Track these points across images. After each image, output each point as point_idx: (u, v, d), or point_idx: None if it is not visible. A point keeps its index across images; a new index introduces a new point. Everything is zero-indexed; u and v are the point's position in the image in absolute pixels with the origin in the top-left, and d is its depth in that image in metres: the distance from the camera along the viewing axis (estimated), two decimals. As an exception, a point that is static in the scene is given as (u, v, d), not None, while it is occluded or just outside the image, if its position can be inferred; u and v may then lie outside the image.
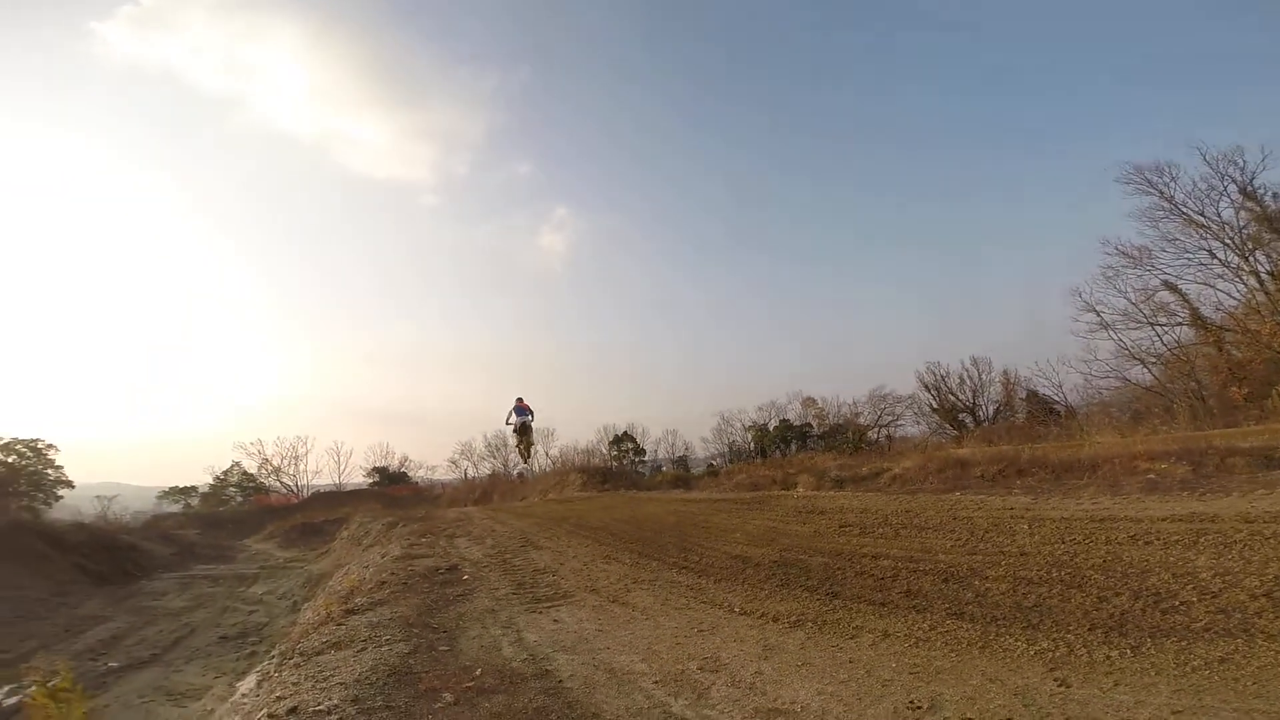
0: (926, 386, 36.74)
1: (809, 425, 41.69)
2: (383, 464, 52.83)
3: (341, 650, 5.54)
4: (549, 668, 4.95)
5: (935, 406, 36.47)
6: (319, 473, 51.74)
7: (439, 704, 4.12)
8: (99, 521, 30.53)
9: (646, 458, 45.71)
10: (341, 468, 52.31)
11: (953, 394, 35.95)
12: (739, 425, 44.03)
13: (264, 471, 49.63)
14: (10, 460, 34.29)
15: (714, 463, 42.57)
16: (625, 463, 44.14)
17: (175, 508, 45.11)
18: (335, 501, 43.75)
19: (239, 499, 48.04)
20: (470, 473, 50.87)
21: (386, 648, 5.43)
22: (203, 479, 48.65)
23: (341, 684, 4.52)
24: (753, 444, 42.50)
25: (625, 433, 46.04)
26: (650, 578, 8.39)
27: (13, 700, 9.96)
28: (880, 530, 9.34)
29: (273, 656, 9.74)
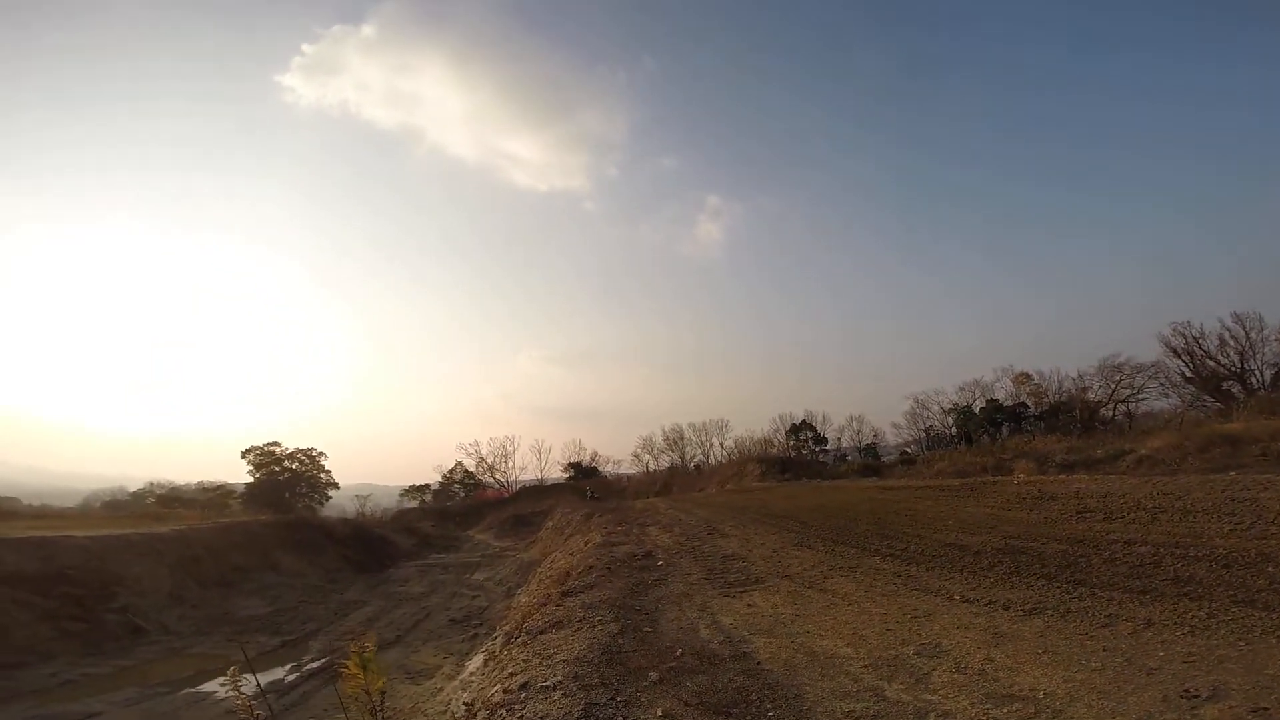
0: (1176, 352, 29.74)
1: (1023, 405, 36.55)
2: (576, 459, 56.90)
3: (561, 630, 5.94)
4: (746, 650, 4.94)
5: (1189, 375, 29.60)
6: (524, 469, 57.27)
7: (645, 682, 4.26)
8: (358, 517, 36.77)
9: (828, 446, 43.50)
10: (543, 464, 57.40)
11: (1212, 359, 28.91)
12: (936, 408, 40.03)
13: (480, 469, 56.17)
14: (294, 467, 42.70)
15: (908, 450, 39.30)
16: (805, 452, 42.46)
17: (413, 504, 52.81)
18: (539, 495, 48.00)
19: (462, 494, 54.84)
20: (651, 465, 52.81)
21: (599, 628, 5.75)
22: (433, 477, 56.26)
23: (563, 661, 4.83)
24: (954, 428, 38.43)
25: (803, 421, 44.35)
26: (849, 564, 8.03)
27: (313, 666, 12.32)
28: (1131, 515, 8.26)
29: (496, 636, 10.85)
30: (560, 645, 5.33)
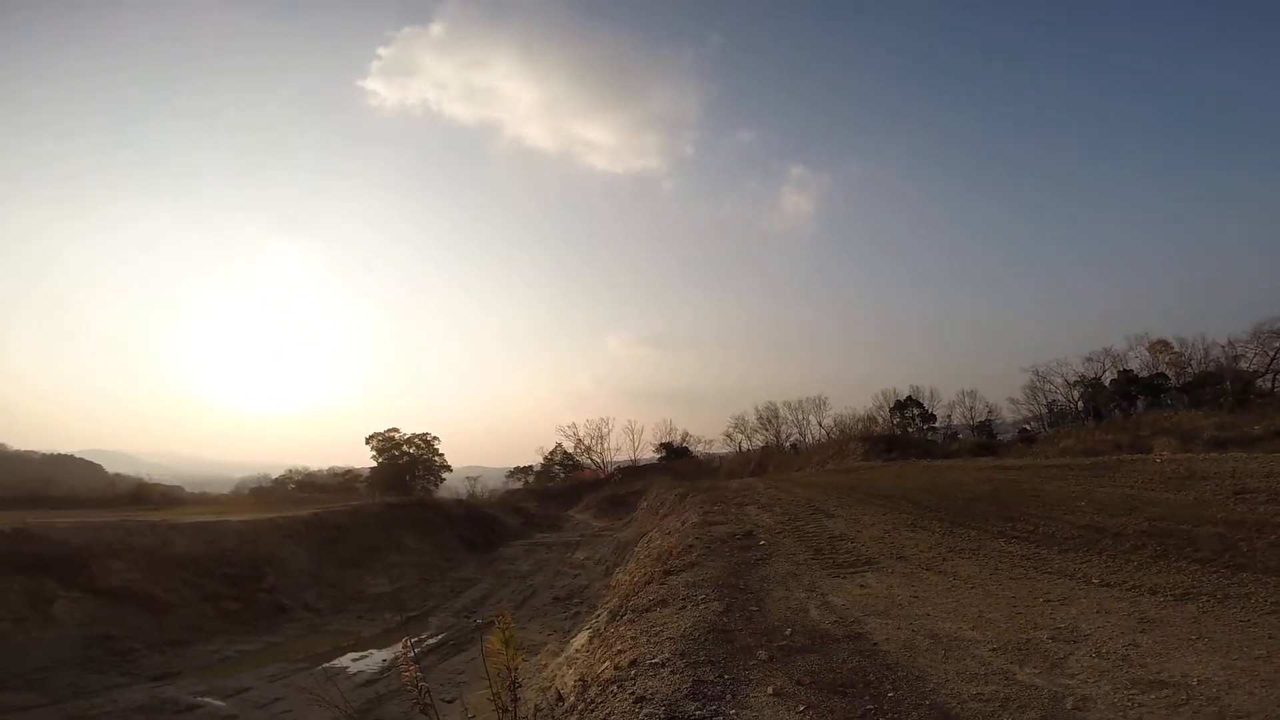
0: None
1: (1161, 376, 32.82)
2: (668, 440, 57.51)
3: (667, 608, 6.07)
4: (861, 630, 4.84)
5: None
6: (619, 450, 58.69)
7: (754, 660, 4.27)
8: (470, 498, 39.17)
9: (937, 424, 41.18)
10: (635, 445, 58.54)
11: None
12: (1059, 381, 36.73)
13: (578, 450, 58.18)
14: (411, 451, 46.04)
15: (1028, 427, 36.43)
16: (911, 430, 40.44)
17: (518, 485, 55.58)
18: (633, 475, 49.09)
19: (561, 475, 57.12)
20: (744, 445, 52.33)
21: (703, 606, 5.82)
22: (535, 459, 58.91)
23: (670, 639, 4.93)
24: (1081, 403, 35.20)
25: (909, 398, 42.20)
26: (970, 546, 7.66)
27: (432, 642, 13.13)
28: (1303, 497, 7.20)
29: (599, 614, 11.21)
30: (666, 623, 5.43)
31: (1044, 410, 37.26)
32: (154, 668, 10.62)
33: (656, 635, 5.10)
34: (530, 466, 57.91)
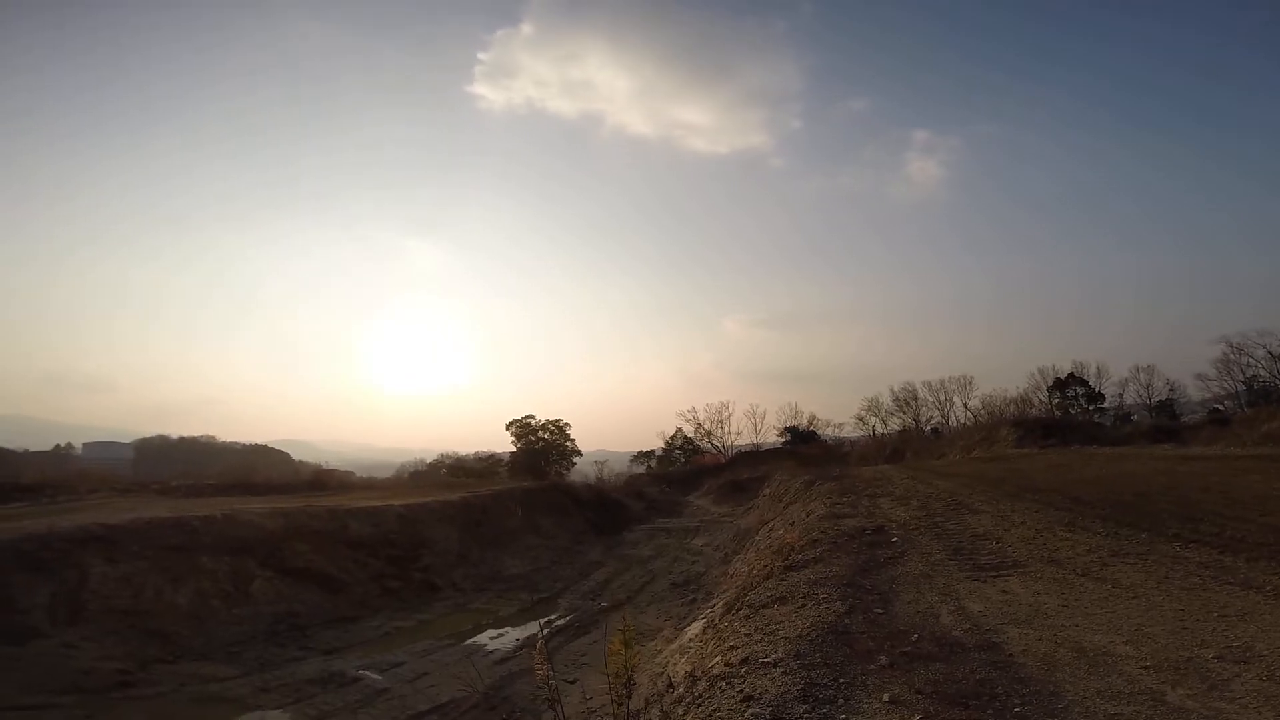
0: None
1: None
2: (793, 424, 56.22)
3: (784, 605, 6.05)
4: (996, 640, 4.61)
5: None
6: (740, 434, 58.41)
7: (874, 665, 4.19)
8: (597, 482, 40.91)
9: (1105, 404, 36.70)
10: (758, 429, 57.89)
11: None
12: (1261, 354, 31.25)
13: (698, 435, 58.62)
14: (545, 436, 48.96)
15: (1220, 407, 31.40)
16: (1074, 412, 36.41)
17: (641, 469, 57.12)
18: (755, 461, 48.57)
19: (682, 459, 57.88)
20: (878, 429, 49.91)
21: (824, 606, 5.75)
22: (657, 443, 60.13)
23: (786, 638, 4.92)
24: (1287, 380, 29.70)
25: (1070, 375, 37.97)
26: (1137, 550, 6.94)
27: (560, 623, 13.79)
28: None
29: (714, 604, 11.29)
30: (783, 621, 5.39)
31: (1240, 388, 31.91)
32: (326, 642, 11.96)
33: (772, 634, 5.10)
34: (652, 451, 59.22)
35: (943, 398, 48.23)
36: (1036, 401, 38.31)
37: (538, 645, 4.01)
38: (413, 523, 18.33)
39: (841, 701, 3.66)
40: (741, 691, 4.01)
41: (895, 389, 50.73)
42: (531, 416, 49.50)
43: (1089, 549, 7.28)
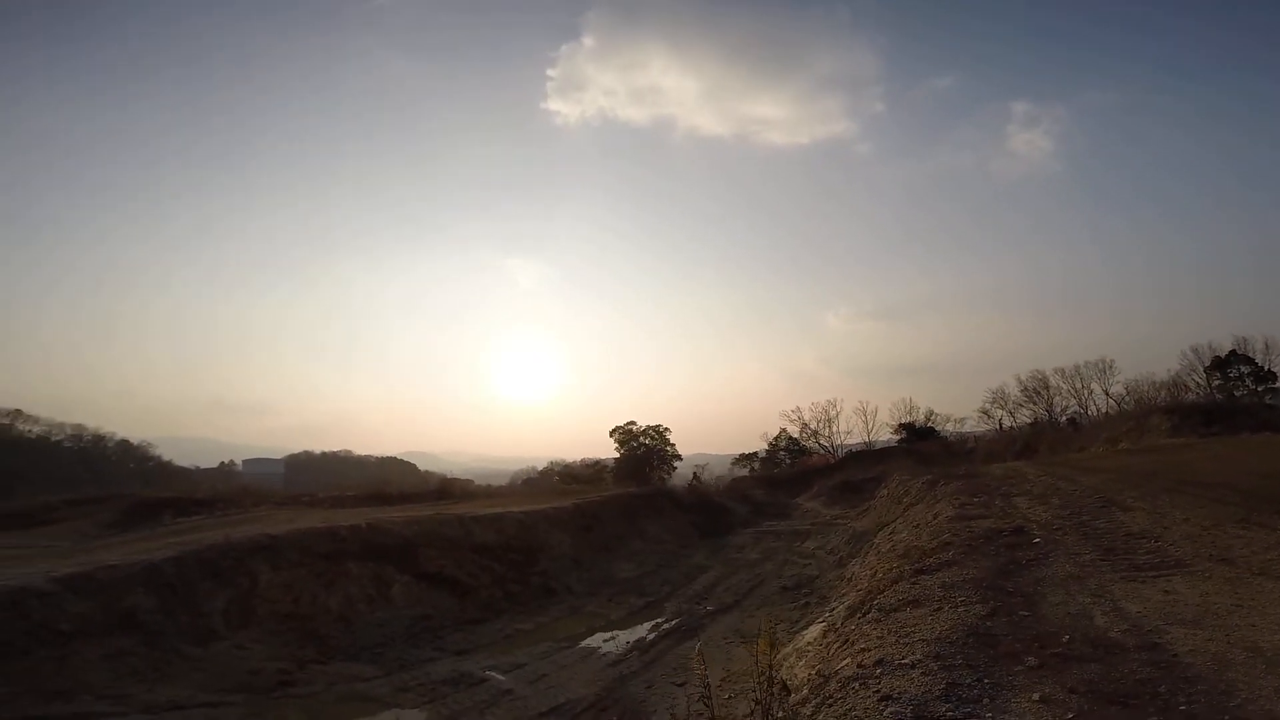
0: None
1: None
2: (908, 420, 53.40)
3: (918, 608, 5.94)
4: (1159, 640, 4.36)
5: None
6: (850, 433, 56.17)
7: (1020, 667, 4.10)
8: (700, 486, 40.90)
9: (1277, 384, 32.00)
10: (869, 427, 55.46)
11: None
12: None
13: (804, 435, 56.96)
14: (647, 442, 49.70)
15: None
16: (1240, 395, 32.06)
17: (743, 472, 56.35)
18: (868, 461, 46.55)
19: (787, 461, 56.46)
20: (1005, 422, 46.38)
21: (963, 609, 5.62)
22: (760, 445, 59.04)
23: (923, 640, 4.86)
24: None
25: (1232, 352, 33.46)
26: (1328, 549, 6.12)
27: (668, 626, 13.99)
28: None
29: (834, 608, 11.01)
30: (917, 624, 5.35)
31: None
32: (456, 644, 12.64)
33: (906, 636, 5.08)
34: (755, 453, 58.25)
35: (1079, 385, 44.00)
36: (1192, 385, 34.06)
37: (696, 651, 4.19)
38: (531, 529, 19.19)
39: (987, 701, 3.62)
40: (878, 691, 4.04)
41: (1022, 377, 46.87)
42: (633, 423, 50.40)
43: (1267, 546, 6.64)
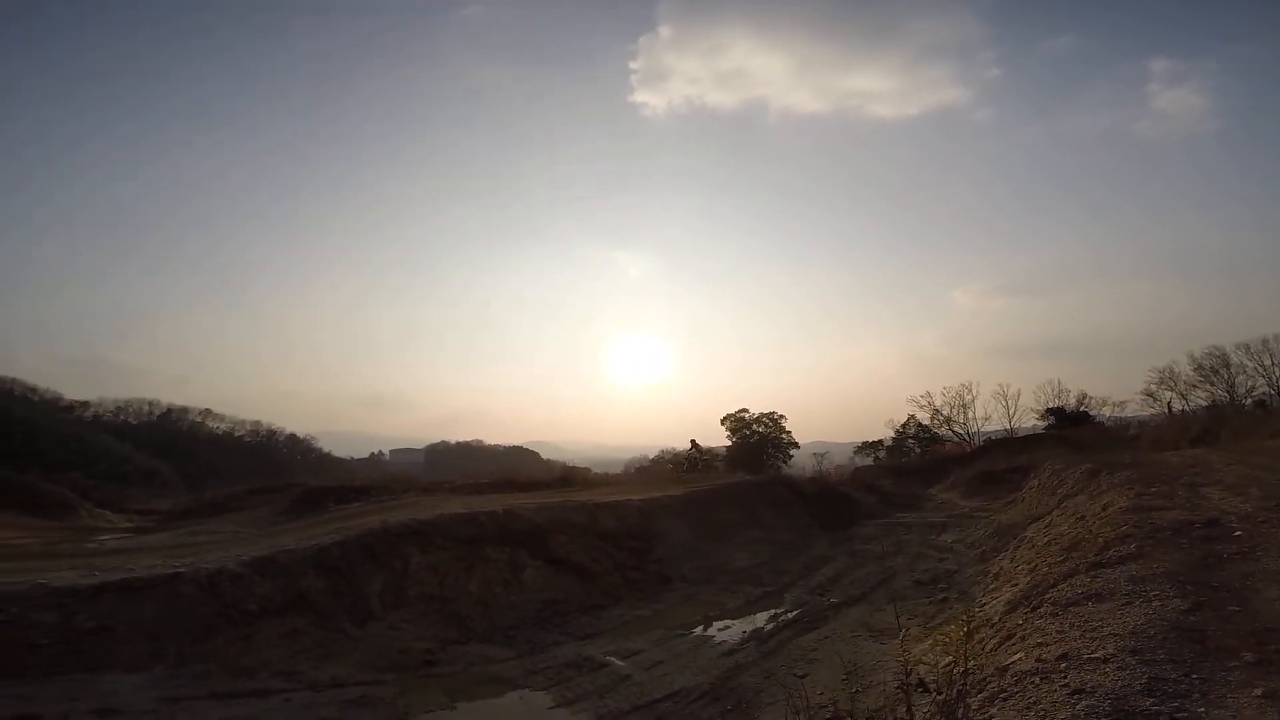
0: None
1: None
2: (1057, 403, 48.43)
3: (1102, 602, 5.69)
4: None
5: None
6: (988, 419, 51.89)
7: (1235, 663, 3.86)
8: (821, 475, 39.55)
9: None
10: (1010, 412, 50.96)
11: None
12: None
13: (935, 422, 53.28)
14: (760, 430, 48.84)
15: None
16: None
17: (867, 461, 53.77)
18: (1011, 449, 42.85)
19: (917, 449, 53.10)
20: (1175, 405, 40.75)
21: (1158, 603, 5.33)
22: (885, 432, 56.05)
23: (1114, 635, 4.67)
24: None
25: None
26: None
27: (788, 617, 13.65)
28: None
29: (984, 603, 10.30)
30: (1105, 618, 5.12)
31: None
32: (580, 628, 13.01)
33: (1093, 630, 4.90)
34: (880, 441, 55.36)
35: (1268, 362, 37.68)
36: None
37: (901, 637, 4.08)
38: (649, 516, 19.48)
39: (1198, 696, 3.42)
40: (1067, 686, 3.92)
41: (1195, 355, 40.83)
42: (745, 410, 49.71)
43: None
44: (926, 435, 53.54)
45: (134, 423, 70.18)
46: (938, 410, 52.83)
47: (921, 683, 6.07)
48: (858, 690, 8.01)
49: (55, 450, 45.39)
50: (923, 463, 47.30)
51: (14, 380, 62.51)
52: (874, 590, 15.56)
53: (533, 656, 11.32)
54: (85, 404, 68.32)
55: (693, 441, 26.67)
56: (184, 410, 74.29)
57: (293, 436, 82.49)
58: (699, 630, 13.08)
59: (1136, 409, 45.19)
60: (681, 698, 9.43)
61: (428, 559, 13.76)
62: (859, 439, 57.38)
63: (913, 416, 54.17)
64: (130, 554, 15.28)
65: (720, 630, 13.10)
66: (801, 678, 9.71)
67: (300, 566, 12.06)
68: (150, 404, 73.52)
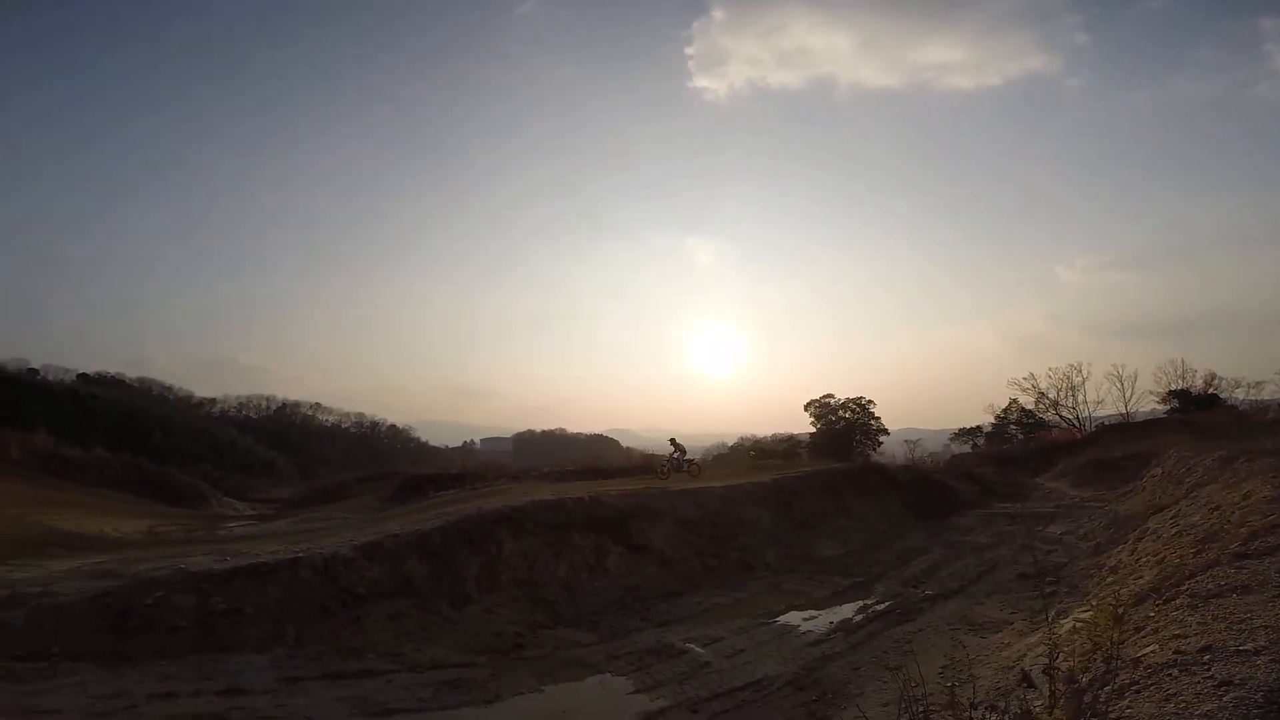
0: None
1: None
2: (1180, 386, 44.11)
3: (1249, 594, 5.51)
4: None
5: None
6: (1101, 403, 48.09)
7: None
8: (915, 462, 37.97)
9: None
10: (1126, 395, 46.96)
11: None
12: None
13: (1041, 406, 49.82)
14: (847, 416, 47.39)
15: None
16: None
17: (964, 448, 51.06)
18: (1128, 435, 39.61)
19: (1020, 436, 49.88)
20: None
21: None
22: (983, 418, 52.92)
23: (1265, 627, 4.55)
24: None
25: None
26: None
27: (879, 608, 13.29)
28: None
29: (1102, 596, 9.66)
30: (1254, 610, 4.95)
31: None
32: (659, 615, 13.01)
33: (1240, 622, 4.76)
34: (979, 427, 52.37)
35: None
36: None
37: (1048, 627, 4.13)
38: (729, 503, 19.47)
39: None
40: (1211, 678, 3.85)
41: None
42: (830, 396, 48.31)
43: None
44: (1031, 420, 50.12)
45: (254, 417, 77.46)
46: (1043, 393, 49.37)
47: (1026, 677, 5.87)
48: (954, 683, 7.82)
49: (188, 444, 50.76)
50: (1027, 450, 44.40)
51: (152, 380, 70.82)
52: (974, 583, 15.01)
53: (614, 641, 11.47)
54: (213, 401, 76.42)
55: (672, 441, 25.77)
56: (297, 405, 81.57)
57: (393, 427, 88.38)
58: (782, 619, 12.88)
59: (1277, 391, 40.41)
60: (763, 686, 9.33)
61: (519, 544, 14.28)
62: (952, 425, 54.70)
63: (1015, 400, 50.89)
64: (256, 540, 16.87)
65: (805, 620, 12.85)
66: (893, 670, 9.44)
67: (405, 551, 12.75)
68: (268, 399, 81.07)
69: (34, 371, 56.25)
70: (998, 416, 51.60)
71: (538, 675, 10.02)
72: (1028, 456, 41.95)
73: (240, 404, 79.10)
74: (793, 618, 13.02)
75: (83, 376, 62.07)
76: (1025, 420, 50.49)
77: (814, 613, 13.36)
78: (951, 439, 53.30)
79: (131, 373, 70.52)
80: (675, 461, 25.05)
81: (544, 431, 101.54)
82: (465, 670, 9.90)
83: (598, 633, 12.00)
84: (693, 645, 11.16)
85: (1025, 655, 7.81)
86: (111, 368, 68.66)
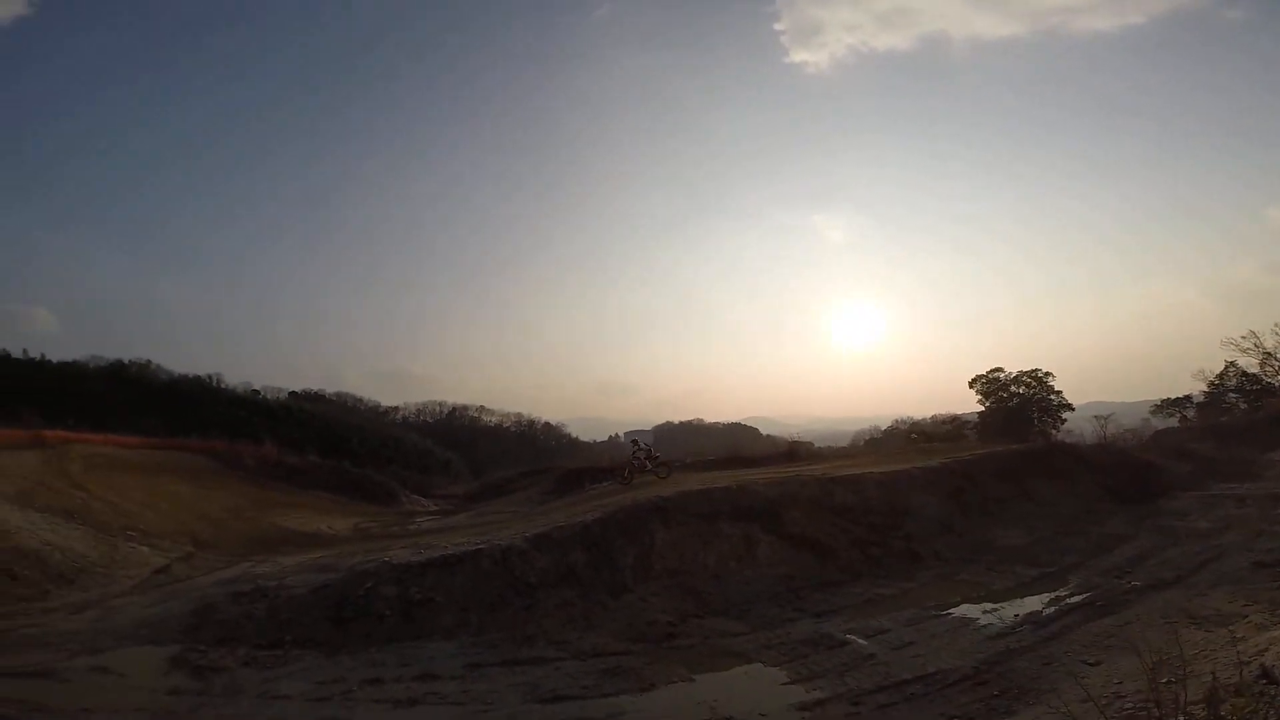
0: None
1: None
2: None
3: None
4: None
5: None
6: (1347, 361, 39.06)
7: None
8: (1110, 440, 33.54)
9: None
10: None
11: None
12: None
13: (1267, 370, 41.74)
14: (1020, 391, 42.77)
15: None
16: None
17: (1170, 421, 44.12)
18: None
19: (1242, 405, 42.15)
20: None
21: None
22: (1193, 386, 45.26)
23: None
24: None
25: None
26: None
27: (1072, 601, 12.15)
28: None
29: None
30: None
31: None
32: (815, 605, 12.71)
33: None
34: (1187, 396, 44.85)
35: None
36: None
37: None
38: (891, 490, 18.64)
39: None
40: None
41: None
42: (1000, 370, 43.82)
43: None
44: (1255, 386, 42.03)
45: (430, 421, 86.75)
46: (1270, 354, 41.14)
47: (1266, 674, 5.48)
48: (1170, 680, 7.08)
49: (379, 449, 58.05)
50: (1253, 420, 37.37)
51: (346, 394, 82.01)
52: (1194, 573, 13.37)
53: (767, 631, 11.45)
54: (395, 409, 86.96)
55: (634, 442, 23.30)
56: (464, 408, 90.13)
57: (547, 424, 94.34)
58: (957, 612, 12.18)
59: None
60: (936, 680, 8.94)
61: (670, 534, 14.75)
62: (1150, 396, 47.22)
63: (1232, 364, 42.92)
64: (441, 533, 18.93)
65: (984, 613, 12.06)
66: (1093, 665, 8.79)
67: (569, 542, 13.67)
68: (440, 405, 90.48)
69: (255, 391, 67.19)
70: (1211, 384, 43.88)
71: (689, 664, 10.25)
72: (1254, 428, 35.29)
73: (418, 410, 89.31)
74: (969, 610, 12.28)
75: (293, 394, 73.01)
76: (1248, 386, 42.46)
77: (994, 605, 12.49)
78: (1152, 412, 46.08)
79: (330, 388, 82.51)
80: (639, 463, 23.44)
81: (682, 423, 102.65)
82: (623, 659, 10.32)
83: (748, 622, 12.03)
84: (854, 636, 10.90)
85: (1267, 650, 7.10)
86: (314, 385, 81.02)
